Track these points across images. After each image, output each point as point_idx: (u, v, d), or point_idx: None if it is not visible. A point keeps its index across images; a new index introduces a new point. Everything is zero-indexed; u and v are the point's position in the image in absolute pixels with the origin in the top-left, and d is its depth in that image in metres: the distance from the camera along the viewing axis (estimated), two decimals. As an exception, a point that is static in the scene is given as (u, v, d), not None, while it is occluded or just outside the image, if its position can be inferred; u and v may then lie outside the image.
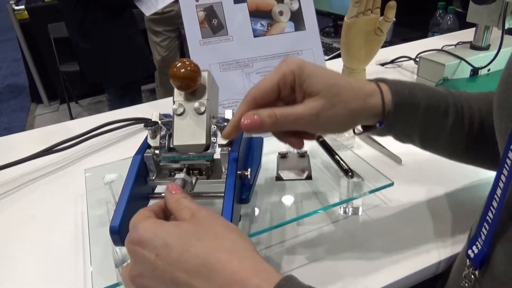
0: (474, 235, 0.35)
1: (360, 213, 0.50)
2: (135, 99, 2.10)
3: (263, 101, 0.38)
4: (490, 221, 0.32)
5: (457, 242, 0.46)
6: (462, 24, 1.64)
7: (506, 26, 0.71)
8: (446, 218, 0.50)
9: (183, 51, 2.75)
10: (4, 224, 0.54)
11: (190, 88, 0.42)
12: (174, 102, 0.44)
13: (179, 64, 0.41)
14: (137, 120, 0.75)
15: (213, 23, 0.67)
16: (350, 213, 0.51)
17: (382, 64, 0.95)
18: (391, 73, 0.92)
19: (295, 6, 0.70)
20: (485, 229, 0.33)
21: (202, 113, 0.43)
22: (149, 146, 0.46)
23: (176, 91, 0.44)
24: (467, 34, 1.12)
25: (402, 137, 0.44)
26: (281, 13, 0.69)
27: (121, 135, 0.75)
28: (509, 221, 0.31)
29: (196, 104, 0.43)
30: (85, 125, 0.75)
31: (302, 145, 0.41)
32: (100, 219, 0.52)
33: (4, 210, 0.57)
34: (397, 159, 0.60)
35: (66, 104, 3.15)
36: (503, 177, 0.30)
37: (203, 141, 0.43)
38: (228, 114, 0.45)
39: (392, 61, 0.95)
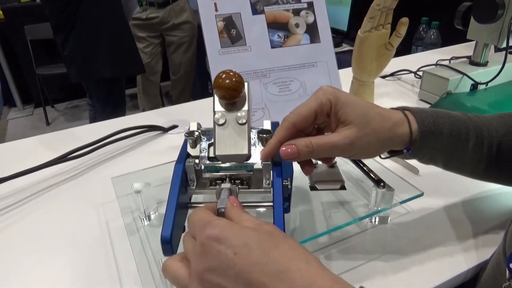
0: None
1: (388, 223, 0.52)
2: (119, 105, 2.05)
3: (300, 126, 0.40)
4: None
5: (482, 250, 0.48)
6: (444, 39, 1.72)
7: (505, 45, 0.76)
8: (467, 226, 0.52)
9: (166, 58, 2.74)
10: (22, 235, 0.53)
11: (234, 98, 0.43)
12: (214, 112, 0.44)
13: (224, 75, 0.41)
14: (150, 128, 0.75)
15: (232, 33, 0.68)
16: (377, 223, 0.53)
17: (383, 77, 0.98)
18: (391, 86, 0.95)
19: (311, 19, 0.71)
20: None
21: (243, 124, 0.44)
22: (188, 155, 0.46)
23: (216, 101, 0.44)
24: (459, 50, 1.18)
25: (427, 161, 0.46)
26: (297, 25, 0.71)
27: (133, 143, 0.74)
28: None
29: (238, 114, 0.44)
30: (91, 132, 0.74)
31: (312, 171, 0.44)
32: (129, 228, 0.52)
33: (19, 220, 0.55)
34: (414, 170, 0.62)
35: (42, 108, 3.06)
36: None
37: (245, 151, 0.43)
38: (267, 125, 0.46)
39: (392, 74, 0.99)
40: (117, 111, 2.03)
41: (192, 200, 0.47)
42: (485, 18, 0.75)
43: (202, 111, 0.87)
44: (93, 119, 2.21)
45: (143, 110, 2.81)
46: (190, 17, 2.56)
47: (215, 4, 0.67)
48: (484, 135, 0.45)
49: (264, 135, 0.44)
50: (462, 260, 0.47)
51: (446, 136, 0.43)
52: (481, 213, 0.54)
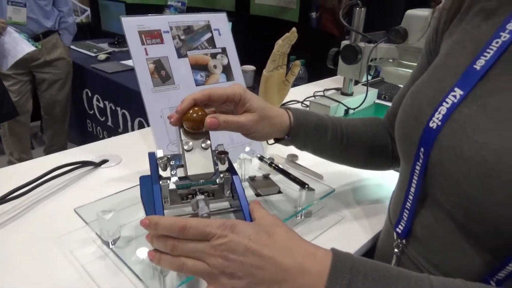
0: (398, 219, 0.53)
1: (312, 216, 0.68)
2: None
3: (213, 99, 0.53)
4: (408, 209, 0.50)
5: (373, 224, 0.68)
6: (311, 74, 2.07)
7: (364, 79, 1.03)
8: (360, 209, 0.72)
9: (37, 96, 2.55)
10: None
11: (199, 128, 0.53)
12: (182, 140, 0.54)
13: (191, 111, 0.52)
14: (83, 164, 0.77)
15: (162, 74, 0.78)
16: (303, 217, 0.68)
17: (277, 107, 1.18)
18: (284, 114, 1.15)
19: (225, 61, 0.86)
20: (406, 214, 0.51)
21: (207, 148, 0.54)
22: (160, 177, 0.54)
23: (182, 132, 0.54)
24: (329, 83, 1.47)
25: (301, 147, 0.65)
26: (215, 66, 0.85)
27: (66, 179, 0.75)
28: (421, 209, 0.49)
29: (202, 141, 0.54)
30: (11, 175, 0.74)
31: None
32: (98, 253, 0.56)
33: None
34: (319, 176, 0.80)
35: None
36: (413, 184, 0.48)
37: (212, 169, 0.54)
38: (221, 147, 0.57)
39: (284, 104, 1.19)
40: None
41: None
42: (349, 60, 1.00)
43: (127, 145, 0.92)
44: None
45: (11, 154, 2.54)
46: (64, 53, 2.47)
47: (145, 49, 0.77)
48: (338, 130, 0.65)
49: (222, 155, 0.55)
50: (362, 234, 0.65)
51: (312, 127, 0.62)
52: (368, 198, 0.75)
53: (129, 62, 2.52)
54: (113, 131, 2.45)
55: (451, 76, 0.44)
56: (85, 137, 2.80)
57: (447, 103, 0.42)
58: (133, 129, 2.20)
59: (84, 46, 2.90)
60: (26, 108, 2.50)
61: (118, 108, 2.31)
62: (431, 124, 0.43)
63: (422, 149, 0.44)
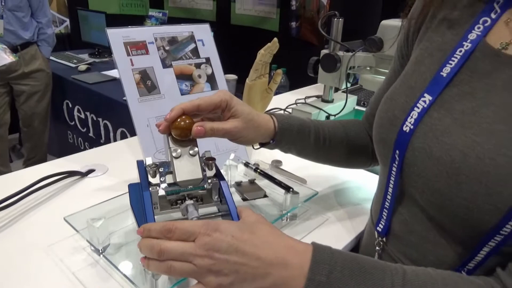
0: (378, 218, 0.57)
1: (297, 219, 0.70)
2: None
3: (202, 109, 0.55)
4: (387, 208, 0.54)
5: (355, 224, 0.71)
6: (292, 83, 2.11)
7: (344, 87, 1.07)
8: (343, 211, 0.75)
9: (15, 108, 2.51)
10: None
11: (187, 136, 0.55)
12: (170, 148, 0.56)
13: (179, 119, 0.54)
14: (70, 174, 0.78)
15: (147, 84, 0.80)
16: (288, 220, 0.70)
17: (260, 114, 1.21)
18: (267, 121, 1.18)
19: (209, 71, 0.88)
20: (385, 213, 0.55)
21: (194, 155, 0.56)
22: (149, 184, 0.55)
23: (170, 140, 0.56)
24: (309, 90, 1.51)
25: (285, 149, 0.67)
26: (199, 76, 0.87)
27: (54, 189, 0.76)
28: (399, 207, 0.52)
29: (190, 148, 0.56)
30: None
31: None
32: (88, 260, 0.57)
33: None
34: (302, 180, 0.83)
35: None
36: (391, 184, 0.51)
37: (200, 175, 0.56)
38: (209, 154, 0.59)
39: (267, 111, 1.22)
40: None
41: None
42: (329, 68, 1.04)
43: (112, 155, 0.93)
44: None
45: (-12, 168, 2.49)
46: (43, 65, 2.44)
47: (131, 60, 0.78)
48: (320, 132, 0.68)
49: (210, 161, 0.57)
50: (346, 234, 0.68)
51: (295, 131, 0.65)
52: (350, 201, 0.78)
53: (110, 73, 2.51)
54: (94, 142, 2.43)
55: (421, 83, 0.47)
56: (66, 149, 2.76)
57: (418, 108, 0.45)
58: (115, 140, 2.19)
59: (63, 57, 2.88)
60: (4, 121, 2.45)
61: (100, 119, 2.29)
62: (404, 128, 0.46)
63: (397, 152, 0.47)
